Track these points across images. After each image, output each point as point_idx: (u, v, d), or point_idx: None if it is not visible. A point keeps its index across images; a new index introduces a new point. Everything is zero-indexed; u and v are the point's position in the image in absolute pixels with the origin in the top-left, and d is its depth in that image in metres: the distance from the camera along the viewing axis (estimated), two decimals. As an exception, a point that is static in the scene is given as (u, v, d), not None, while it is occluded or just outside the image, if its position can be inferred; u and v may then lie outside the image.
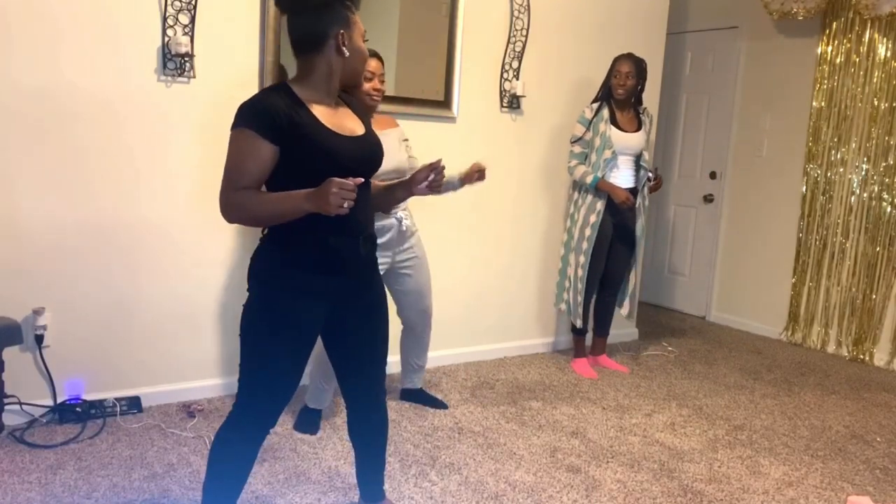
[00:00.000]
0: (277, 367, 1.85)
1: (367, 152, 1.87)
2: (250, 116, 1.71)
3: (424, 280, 3.12)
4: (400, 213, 2.96)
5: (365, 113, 2.00)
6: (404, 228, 2.97)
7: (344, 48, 1.78)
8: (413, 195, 1.98)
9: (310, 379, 2.99)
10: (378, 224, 2.89)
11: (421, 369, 3.30)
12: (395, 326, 3.26)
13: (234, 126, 1.73)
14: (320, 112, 1.78)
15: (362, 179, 1.64)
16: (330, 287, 1.86)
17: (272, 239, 1.84)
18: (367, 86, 2.83)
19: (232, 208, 1.73)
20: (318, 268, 1.82)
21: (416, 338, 3.22)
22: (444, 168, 1.92)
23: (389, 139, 2.92)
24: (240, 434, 1.89)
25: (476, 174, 2.86)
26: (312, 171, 1.69)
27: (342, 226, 1.81)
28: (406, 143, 3.03)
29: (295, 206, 1.67)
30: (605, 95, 3.80)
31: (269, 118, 1.69)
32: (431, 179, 1.90)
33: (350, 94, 2.07)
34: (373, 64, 2.83)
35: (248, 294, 1.86)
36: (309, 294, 1.83)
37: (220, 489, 1.94)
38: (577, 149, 3.80)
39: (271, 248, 1.84)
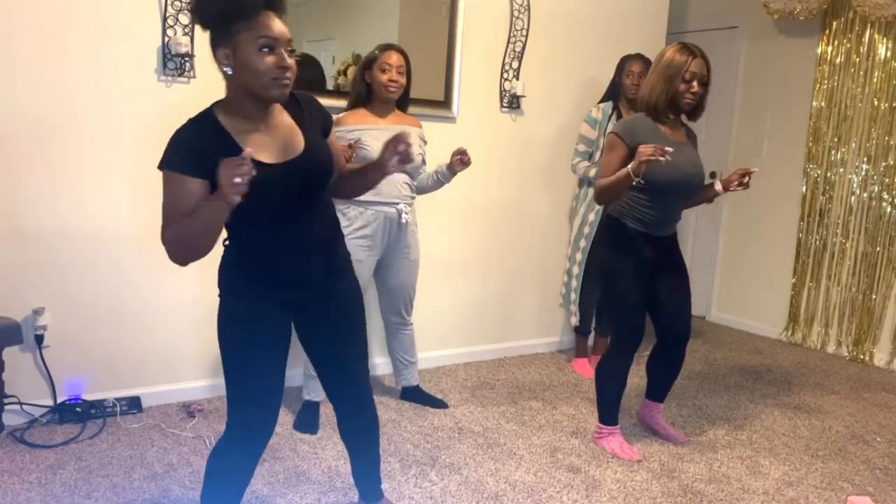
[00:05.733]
0: (251, 375, 1.83)
1: (299, 174, 1.74)
2: (172, 156, 1.66)
3: (410, 282, 3.14)
4: (402, 206, 2.96)
5: (322, 115, 1.88)
6: (403, 222, 2.98)
7: (223, 67, 1.66)
8: (387, 174, 1.88)
9: (303, 368, 3.02)
10: (377, 209, 2.89)
11: (412, 365, 3.30)
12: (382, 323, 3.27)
13: (160, 166, 1.68)
14: (244, 138, 1.69)
15: (251, 150, 1.55)
16: (287, 298, 1.86)
17: (229, 251, 1.84)
18: (383, 78, 2.88)
19: (170, 244, 1.67)
20: (271, 283, 1.82)
21: (395, 335, 3.23)
22: (408, 136, 1.82)
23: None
24: (237, 447, 1.88)
25: (457, 158, 2.91)
26: (245, 204, 1.59)
27: (290, 245, 1.79)
28: (423, 143, 3.05)
29: (210, 207, 1.60)
30: (614, 95, 3.80)
31: (191, 156, 1.64)
32: (401, 151, 1.80)
33: (306, 95, 1.91)
34: (390, 58, 2.89)
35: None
36: (268, 303, 1.83)
37: (218, 501, 1.93)
38: (582, 147, 3.79)
39: (228, 259, 1.84)
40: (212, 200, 1.60)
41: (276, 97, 1.69)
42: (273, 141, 1.74)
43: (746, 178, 2.78)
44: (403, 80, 2.94)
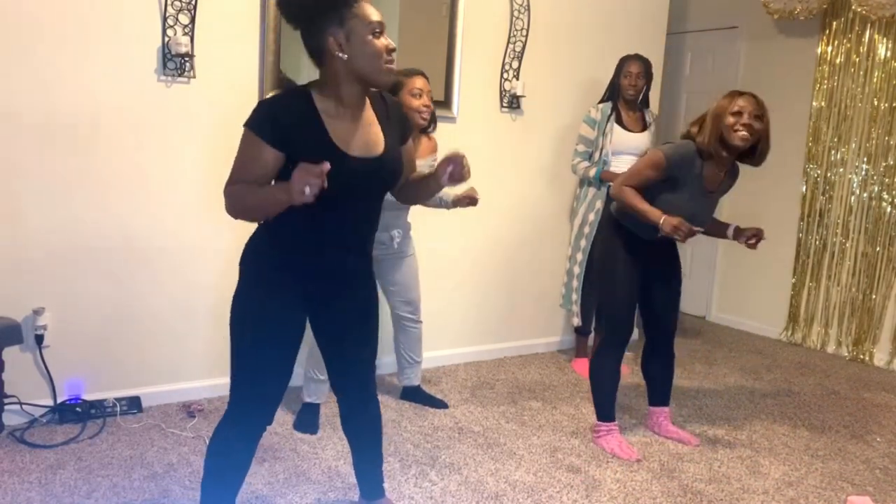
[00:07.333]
0: (261, 360, 1.85)
1: (373, 173, 1.80)
2: (261, 120, 1.71)
3: (411, 274, 3.14)
4: (393, 231, 2.97)
5: (402, 121, 1.94)
6: (395, 246, 3.00)
7: (339, 53, 1.70)
8: (441, 186, 1.92)
9: (304, 370, 3.01)
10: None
11: (416, 364, 3.30)
12: (389, 324, 3.27)
13: (246, 124, 1.73)
14: (334, 124, 1.74)
15: (328, 165, 1.56)
16: (312, 288, 1.87)
17: (262, 234, 1.85)
18: (416, 103, 2.83)
19: (228, 198, 1.75)
20: (305, 273, 1.83)
21: (405, 331, 3.23)
22: (462, 158, 1.85)
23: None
24: (236, 431, 1.90)
25: (467, 200, 2.90)
26: None
27: (336, 238, 1.81)
28: (432, 165, 3.03)
29: (274, 196, 1.66)
30: (613, 95, 3.81)
31: (277, 126, 1.69)
32: (451, 171, 1.84)
33: (394, 99, 1.96)
34: (419, 82, 2.84)
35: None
36: (289, 290, 1.84)
37: (218, 486, 1.94)
38: (582, 147, 3.82)
39: (261, 243, 1.85)
40: (276, 190, 1.65)
41: (385, 82, 1.77)
42: (357, 132, 1.79)
43: (754, 241, 2.79)
44: (432, 105, 2.90)
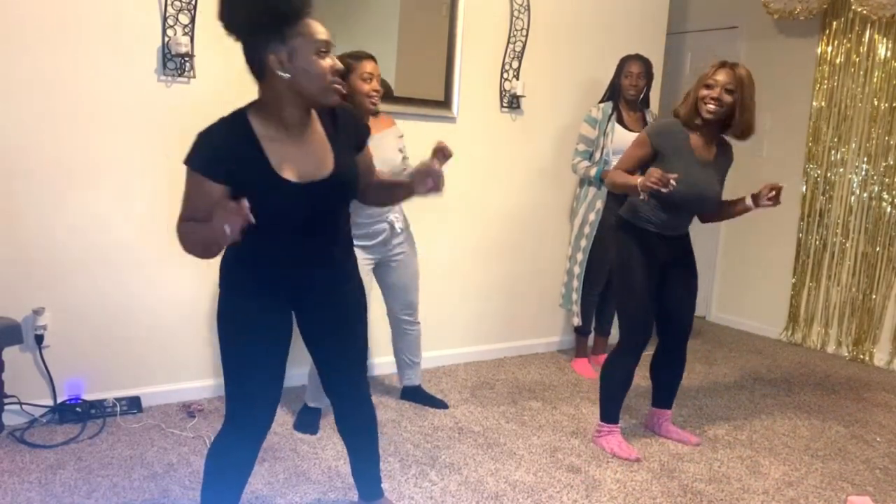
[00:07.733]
0: (251, 370, 1.83)
1: (322, 195, 1.75)
2: (197, 156, 1.65)
3: (411, 275, 3.13)
4: (391, 217, 2.96)
5: (355, 129, 1.88)
6: (398, 231, 2.99)
7: (280, 72, 1.63)
8: (414, 196, 1.89)
9: (308, 377, 3.01)
10: (371, 229, 2.89)
11: (415, 365, 3.30)
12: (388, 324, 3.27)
13: (185, 161, 1.66)
14: (275, 148, 1.68)
15: (247, 203, 1.50)
16: (290, 293, 1.87)
17: (232, 248, 1.79)
18: (366, 87, 2.81)
19: (179, 236, 1.69)
20: (274, 286, 1.83)
21: (403, 333, 3.22)
22: (440, 174, 1.80)
23: (386, 140, 2.92)
24: (236, 436, 1.89)
25: (439, 153, 2.87)
26: (259, 213, 1.59)
27: (297, 256, 1.80)
28: (401, 139, 3.02)
29: (204, 235, 1.60)
30: (614, 95, 3.81)
31: (214, 160, 1.64)
32: (430, 187, 1.81)
33: (344, 106, 1.88)
34: (369, 66, 2.82)
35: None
36: (270, 299, 1.83)
37: (218, 497, 1.93)
38: (582, 146, 3.82)
39: (231, 256, 1.82)
40: (203, 229, 1.59)
41: (331, 102, 1.69)
42: (302, 155, 1.72)
43: (774, 193, 2.76)
44: (381, 89, 2.89)
